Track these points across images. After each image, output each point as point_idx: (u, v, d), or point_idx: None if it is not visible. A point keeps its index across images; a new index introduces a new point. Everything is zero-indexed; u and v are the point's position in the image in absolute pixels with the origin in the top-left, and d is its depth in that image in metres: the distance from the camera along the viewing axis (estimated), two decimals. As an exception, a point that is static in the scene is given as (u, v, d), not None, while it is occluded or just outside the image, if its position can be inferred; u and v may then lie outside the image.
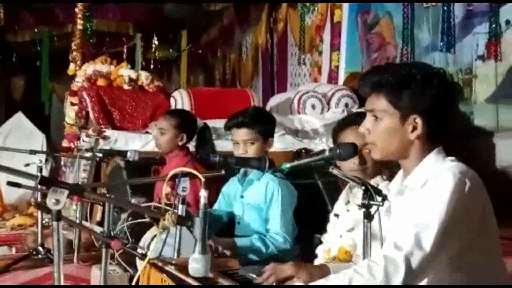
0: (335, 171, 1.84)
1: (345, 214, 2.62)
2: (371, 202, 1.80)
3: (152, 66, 9.25)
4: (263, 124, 3.13)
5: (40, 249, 3.21)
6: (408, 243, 1.69)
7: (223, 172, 2.37)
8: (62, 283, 1.68)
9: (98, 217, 3.77)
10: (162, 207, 2.05)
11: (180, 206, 2.22)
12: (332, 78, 6.16)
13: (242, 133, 3.14)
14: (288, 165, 1.88)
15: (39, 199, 3.11)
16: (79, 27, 6.81)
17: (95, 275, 2.70)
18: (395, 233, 1.78)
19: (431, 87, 1.84)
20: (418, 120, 1.85)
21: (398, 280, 1.63)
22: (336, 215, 2.69)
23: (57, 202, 1.63)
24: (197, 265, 1.68)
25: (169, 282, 1.83)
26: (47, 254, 3.18)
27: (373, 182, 2.44)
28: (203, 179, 1.75)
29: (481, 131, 4.09)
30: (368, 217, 1.82)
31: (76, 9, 7.04)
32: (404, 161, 1.94)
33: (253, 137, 3.12)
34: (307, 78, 6.90)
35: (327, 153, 1.81)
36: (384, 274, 1.63)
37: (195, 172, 1.79)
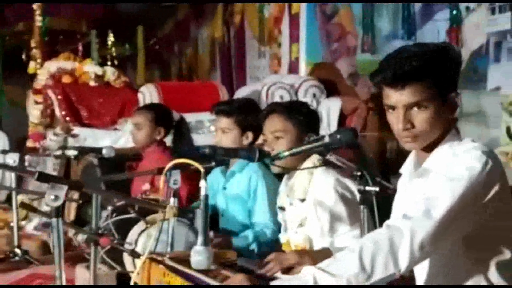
0: (332, 158, 1.85)
1: (289, 208, 2.62)
2: (367, 188, 1.81)
3: (109, 63, 9.11)
4: (242, 115, 3.08)
5: (18, 251, 3.13)
6: (416, 213, 1.64)
7: (213, 163, 2.36)
8: (64, 282, 1.64)
9: (72, 217, 3.70)
10: (155, 200, 2.03)
11: (171, 199, 2.20)
12: (293, 70, 6.17)
13: (219, 121, 3.13)
14: (286, 153, 1.87)
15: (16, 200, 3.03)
16: (38, 24, 6.64)
17: (81, 274, 2.66)
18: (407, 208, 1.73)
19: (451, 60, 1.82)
20: (454, 95, 1.82)
21: (403, 249, 1.57)
22: (282, 208, 2.70)
23: (56, 198, 1.60)
24: (200, 257, 1.68)
25: (173, 276, 1.82)
26: (25, 256, 3.11)
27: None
28: (202, 170, 1.75)
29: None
30: (364, 202, 1.84)
31: (34, 6, 6.84)
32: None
33: (228, 126, 3.10)
34: (266, 71, 6.90)
35: (326, 139, 1.81)
36: (389, 243, 1.57)
37: (194, 163, 1.79)
